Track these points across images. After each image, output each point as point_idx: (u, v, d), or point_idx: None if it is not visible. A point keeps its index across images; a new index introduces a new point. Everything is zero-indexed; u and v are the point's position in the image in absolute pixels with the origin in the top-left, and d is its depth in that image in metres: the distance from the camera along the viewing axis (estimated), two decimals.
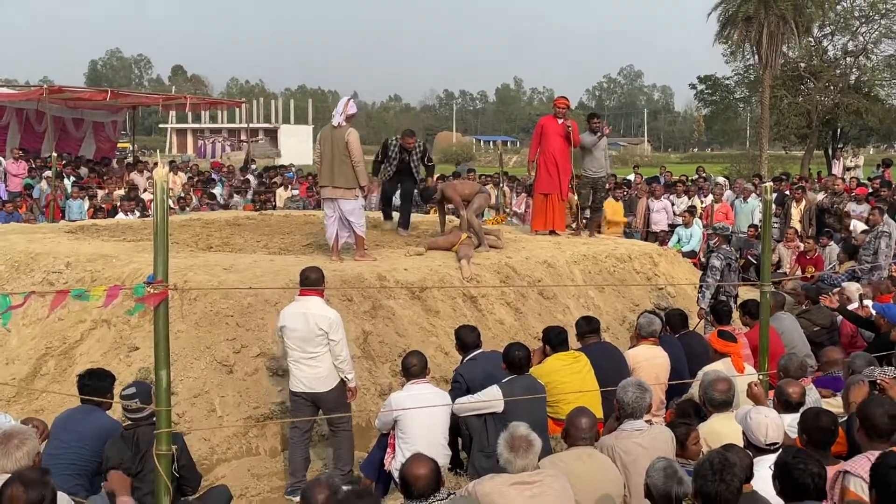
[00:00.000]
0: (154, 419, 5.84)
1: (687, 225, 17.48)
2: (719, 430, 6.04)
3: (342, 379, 7.50)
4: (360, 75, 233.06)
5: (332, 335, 7.37)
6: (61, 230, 13.28)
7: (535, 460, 5.23)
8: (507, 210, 19.38)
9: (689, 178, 23.10)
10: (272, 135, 71.76)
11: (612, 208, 17.03)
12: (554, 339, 7.96)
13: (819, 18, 36.47)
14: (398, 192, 13.05)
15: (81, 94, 24.21)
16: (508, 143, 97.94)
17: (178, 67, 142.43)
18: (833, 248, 15.45)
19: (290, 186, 22.01)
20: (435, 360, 8.91)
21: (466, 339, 7.86)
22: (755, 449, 5.41)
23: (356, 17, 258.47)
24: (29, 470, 4.67)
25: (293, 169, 27.13)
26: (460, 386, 7.42)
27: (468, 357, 7.78)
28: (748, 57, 38.22)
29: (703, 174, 24.49)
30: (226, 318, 8.77)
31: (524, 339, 9.33)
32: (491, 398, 6.88)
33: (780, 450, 5.14)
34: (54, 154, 18.73)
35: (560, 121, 13.39)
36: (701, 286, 11.39)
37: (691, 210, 17.86)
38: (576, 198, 14.14)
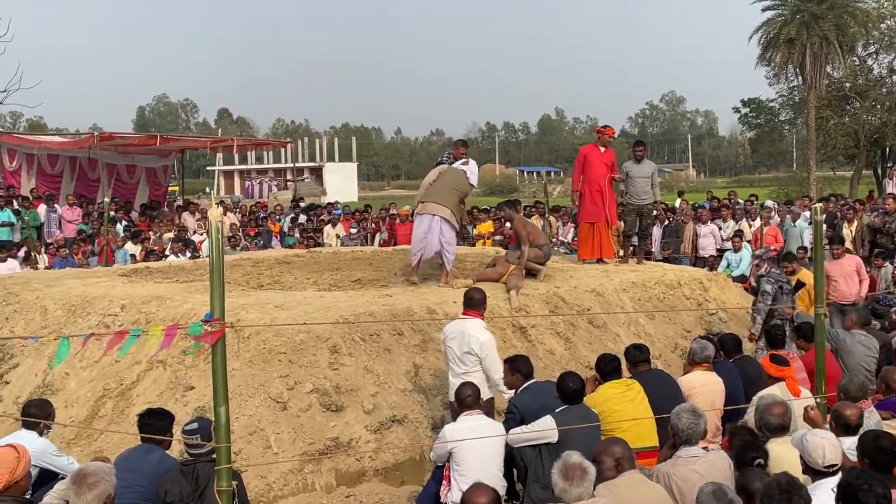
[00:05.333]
0: (213, 456, 5.91)
1: (736, 249, 17.32)
2: (777, 456, 5.96)
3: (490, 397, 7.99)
4: (402, 111, 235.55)
5: (483, 357, 7.88)
6: (115, 274, 13.53)
7: (591, 488, 5.20)
8: (555, 240, 19.37)
9: (732, 201, 22.87)
10: (317, 173, 72.52)
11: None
12: (606, 368, 7.92)
13: (863, 37, 36.17)
14: None
15: (131, 139, 24.65)
16: (552, 174, 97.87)
17: (224, 110, 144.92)
18: (888, 269, 15.20)
19: (337, 223, 22.23)
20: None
21: (522, 368, 7.83)
22: (813, 472, 5.33)
23: (397, 53, 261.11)
24: None
25: (339, 206, 27.37)
26: (514, 416, 7.40)
27: (522, 387, 7.76)
28: (792, 78, 38.08)
29: (756, 201, 24.20)
30: (278, 354, 8.86)
31: (575, 368, 9.31)
32: (545, 428, 6.86)
33: (841, 472, 5.08)
34: (106, 199, 19.09)
35: (602, 149, 13.46)
36: (753, 311, 11.29)
37: (738, 234, 17.71)
38: (622, 225, 14.11)
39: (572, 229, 19.24)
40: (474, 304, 8.20)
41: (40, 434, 6.99)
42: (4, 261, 16.71)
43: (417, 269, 11.42)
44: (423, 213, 11.40)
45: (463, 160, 11.73)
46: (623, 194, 13.90)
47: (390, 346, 9.35)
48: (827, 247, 17.31)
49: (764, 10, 38.22)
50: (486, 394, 7.93)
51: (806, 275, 11.82)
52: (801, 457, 5.50)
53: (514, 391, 7.71)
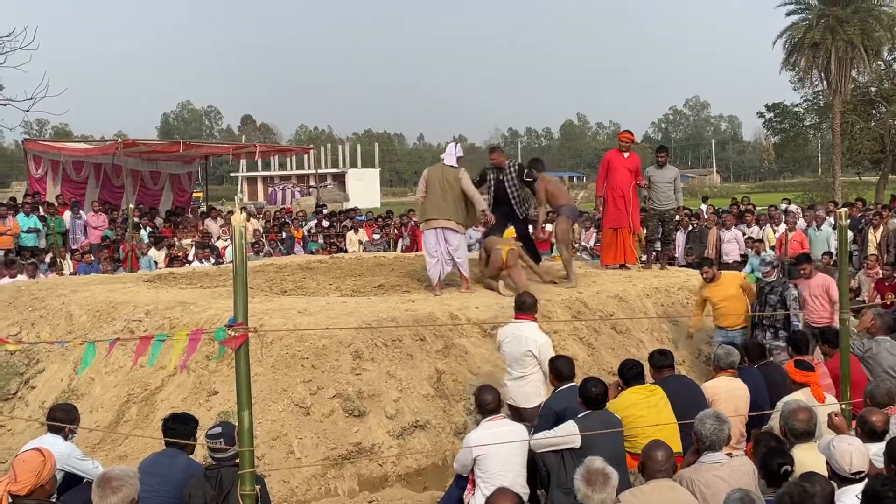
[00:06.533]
0: (237, 460, 5.94)
1: (759, 253, 17.23)
2: (802, 461, 5.91)
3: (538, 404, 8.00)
4: (424, 117, 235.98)
5: (542, 358, 8.01)
6: (140, 279, 13.62)
7: (614, 494, 5.18)
8: (577, 245, 19.31)
9: (754, 206, 22.75)
10: (340, 179, 72.66)
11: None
12: (629, 373, 7.88)
13: (888, 42, 35.92)
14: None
15: (155, 146, 24.78)
16: (575, 179, 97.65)
17: (248, 117, 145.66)
18: None
19: (359, 229, 22.30)
20: None
21: (564, 370, 7.70)
22: (840, 479, 5.28)
23: (419, 60, 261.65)
24: None
25: (362, 212, 27.43)
26: (547, 418, 7.36)
27: (560, 388, 7.69)
28: (817, 83, 37.81)
29: (788, 206, 24.02)
30: (301, 360, 8.89)
31: (598, 373, 9.27)
32: (568, 433, 6.84)
33: (867, 478, 5.03)
34: (131, 206, 19.22)
35: (625, 154, 13.43)
36: (792, 320, 11.14)
37: (750, 240, 17.67)
38: (644, 231, 14.06)
39: (594, 235, 19.20)
40: (526, 307, 8.44)
41: (65, 438, 7.03)
42: (14, 277, 16.52)
43: (441, 285, 11.34)
44: (426, 230, 11.38)
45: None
46: (646, 199, 13.85)
47: (413, 351, 9.36)
48: (856, 253, 17.29)
49: (788, 14, 38.09)
50: (542, 396, 8.06)
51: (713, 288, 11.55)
52: (826, 463, 5.45)
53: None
